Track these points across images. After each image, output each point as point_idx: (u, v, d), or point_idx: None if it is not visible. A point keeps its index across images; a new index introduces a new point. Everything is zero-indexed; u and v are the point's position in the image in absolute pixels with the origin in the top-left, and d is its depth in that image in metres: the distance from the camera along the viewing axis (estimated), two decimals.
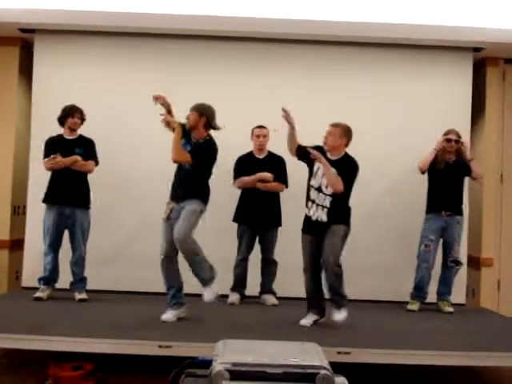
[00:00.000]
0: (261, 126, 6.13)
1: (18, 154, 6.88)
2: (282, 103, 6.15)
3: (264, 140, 6.14)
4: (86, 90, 6.53)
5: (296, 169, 6.11)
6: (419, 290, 6.01)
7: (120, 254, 6.50)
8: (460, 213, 6.04)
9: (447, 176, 6.00)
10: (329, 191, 5.03)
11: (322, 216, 5.06)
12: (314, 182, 5.14)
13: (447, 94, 6.75)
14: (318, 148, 5.16)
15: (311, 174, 5.17)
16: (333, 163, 5.06)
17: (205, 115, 5.17)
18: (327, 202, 5.05)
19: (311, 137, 6.41)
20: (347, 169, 5.08)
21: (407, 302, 6.14)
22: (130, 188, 6.51)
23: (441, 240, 6.05)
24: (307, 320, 5.14)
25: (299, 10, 6.24)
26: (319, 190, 5.09)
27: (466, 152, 6.08)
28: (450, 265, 5.93)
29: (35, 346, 4.43)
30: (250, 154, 6.23)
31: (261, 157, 6.20)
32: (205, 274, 5.10)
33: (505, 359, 4.52)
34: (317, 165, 5.10)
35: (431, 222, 5.96)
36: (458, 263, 5.94)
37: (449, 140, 6.01)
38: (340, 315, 5.08)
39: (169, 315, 5.08)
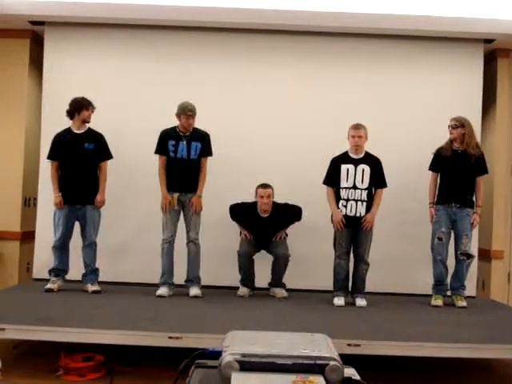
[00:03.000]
0: (265, 186, 6.02)
1: (28, 146, 6.91)
2: (289, 95, 6.23)
3: (268, 201, 6.00)
4: (95, 82, 6.56)
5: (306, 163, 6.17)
6: (440, 284, 5.94)
7: (131, 246, 6.54)
8: (470, 205, 5.94)
9: (455, 165, 5.88)
10: (363, 186, 5.73)
11: (361, 210, 5.73)
12: (346, 184, 5.75)
13: (458, 85, 6.73)
14: (345, 154, 5.86)
15: (338, 178, 5.77)
16: (359, 161, 5.78)
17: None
18: (364, 195, 5.73)
19: (321, 129, 6.48)
20: (379, 164, 5.84)
21: (418, 295, 6.15)
22: (137, 180, 6.52)
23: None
24: (340, 301, 5.75)
25: (309, 1, 6.22)
26: (354, 187, 5.73)
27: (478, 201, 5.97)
28: (460, 258, 5.88)
29: (46, 337, 4.46)
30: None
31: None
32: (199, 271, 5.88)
33: None
34: (343, 167, 5.76)
35: (441, 214, 5.91)
36: (469, 256, 5.88)
37: (448, 126, 5.92)
38: (364, 301, 5.74)
39: (162, 291, 5.80)
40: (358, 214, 5.74)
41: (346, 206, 5.75)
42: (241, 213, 6.14)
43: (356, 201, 5.74)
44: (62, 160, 5.91)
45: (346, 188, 5.76)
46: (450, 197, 5.89)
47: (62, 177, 5.91)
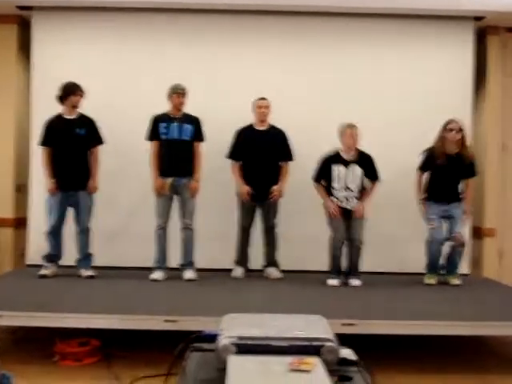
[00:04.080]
0: (262, 98, 6.09)
1: (18, 133, 6.87)
2: (292, 77, 6.21)
3: (266, 111, 6.10)
4: (84, 67, 6.52)
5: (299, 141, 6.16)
6: (432, 265, 5.98)
7: (125, 231, 6.54)
8: (460, 199, 5.94)
9: (448, 170, 5.84)
10: (355, 186, 5.79)
11: (353, 204, 5.78)
12: (337, 185, 5.79)
13: (449, 63, 6.72)
14: (337, 153, 5.83)
15: (330, 178, 5.80)
16: (351, 161, 5.80)
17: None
18: (356, 193, 5.79)
19: (319, 112, 6.47)
20: (372, 162, 5.86)
21: (410, 274, 6.18)
22: (131, 165, 6.50)
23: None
24: (335, 281, 5.79)
25: None
26: (346, 188, 5.78)
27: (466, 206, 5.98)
28: (454, 245, 5.88)
29: (41, 323, 4.45)
30: (250, 126, 6.20)
31: (262, 129, 6.17)
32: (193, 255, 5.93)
33: (508, 328, 4.54)
34: (335, 168, 5.77)
35: (433, 209, 5.90)
36: (462, 244, 5.89)
37: (450, 129, 5.82)
38: (358, 281, 5.79)
39: (156, 275, 5.85)
40: (349, 207, 5.80)
41: (338, 199, 5.80)
42: (240, 131, 6.14)
43: (347, 198, 5.80)
44: (53, 146, 5.88)
45: (337, 189, 5.81)
46: (442, 196, 5.89)
47: (55, 163, 5.88)
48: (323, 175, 5.86)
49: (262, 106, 6.06)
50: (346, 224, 5.84)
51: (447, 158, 5.84)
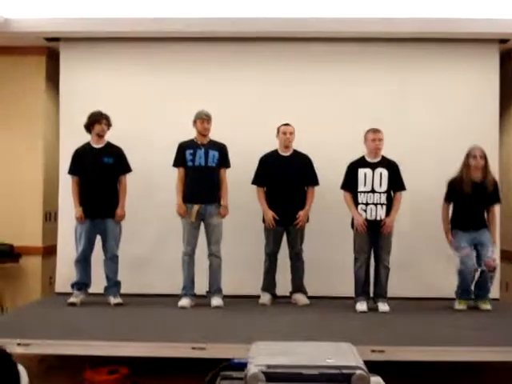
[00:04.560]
0: (287, 124, 6.11)
1: (47, 162, 6.98)
2: (302, 102, 6.24)
3: (290, 137, 6.11)
4: (112, 96, 6.60)
5: (323, 168, 6.16)
6: (465, 291, 5.88)
7: (152, 258, 6.54)
8: (487, 226, 5.89)
9: (473, 197, 5.80)
10: (382, 190, 5.72)
11: (381, 213, 5.70)
12: (364, 188, 5.73)
13: (474, 86, 6.68)
14: (361, 158, 5.87)
15: (356, 182, 5.76)
16: (377, 165, 5.79)
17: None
18: (383, 199, 5.70)
19: (335, 132, 6.47)
20: (397, 168, 5.85)
21: (440, 299, 6.11)
22: (157, 192, 6.53)
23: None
24: (363, 306, 5.72)
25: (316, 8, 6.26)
26: (373, 191, 5.71)
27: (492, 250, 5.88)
28: (483, 269, 5.79)
29: (71, 351, 4.48)
30: (275, 152, 6.22)
31: (286, 154, 6.18)
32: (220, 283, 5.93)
33: None
34: (361, 171, 5.76)
35: (460, 236, 5.84)
36: (493, 268, 5.80)
37: (474, 156, 5.79)
38: (386, 307, 5.71)
39: (184, 302, 5.83)
40: (377, 218, 5.72)
41: (365, 211, 5.74)
42: (265, 157, 6.17)
43: (375, 204, 5.73)
44: (82, 174, 5.97)
45: (364, 192, 5.75)
46: (468, 224, 5.85)
47: (83, 191, 5.96)
48: (351, 181, 5.82)
49: (286, 132, 6.08)
50: (373, 240, 5.79)
51: (472, 187, 5.79)
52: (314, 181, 6.11)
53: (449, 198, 5.95)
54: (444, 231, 5.95)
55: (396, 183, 5.84)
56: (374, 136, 5.80)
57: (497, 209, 5.99)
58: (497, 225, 6.01)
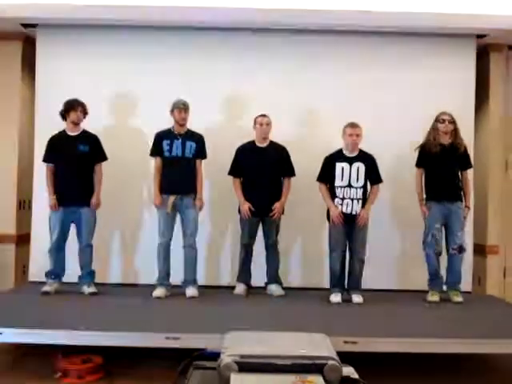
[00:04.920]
0: (263, 115, 6.10)
1: (22, 149, 6.90)
2: (284, 95, 6.24)
3: (267, 128, 6.11)
4: (88, 84, 6.52)
5: (299, 160, 6.17)
6: (435, 278, 5.94)
7: (127, 247, 6.54)
8: (461, 199, 5.94)
9: (444, 160, 5.86)
10: (359, 184, 5.76)
11: (357, 208, 5.75)
12: (341, 183, 5.77)
13: (451, 81, 6.69)
14: (339, 151, 5.90)
15: (333, 176, 5.78)
16: (354, 159, 5.82)
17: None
18: (360, 194, 5.75)
19: (316, 128, 6.49)
20: (374, 161, 5.89)
21: (413, 291, 6.17)
22: (133, 181, 6.52)
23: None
24: (337, 297, 5.76)
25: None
26: (349, 186, 5.74)
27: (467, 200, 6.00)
28: (452, 252, 5.87)
29: (43, 340, 4.45)
30: (251, 143, 6.22)
31: (263, 145, 6.19)
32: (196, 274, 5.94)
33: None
34: (338, 165, 5.78)
35: (434, 211, 5.90)
36: (461, 250, 5.88)
37: (442, 121, 5.87)
38: (360, 298, 5.76)
39: (159, 292, 5.80)
40: (353, 212, 5.75)
41: (341, 204, 5.77)
42: (241, 148, 6.14)
43: (352, 199, 5.75)
44: (56, 162, 5.92)
45: (341, 187, 5.78)
46: (441, 192, 5.87)
47: (58, 179, 5.90)
48: (327, 174, 5.85)
49: (262, 123, 6.08)
50: (348, 233, 5.83)
51: (441, 149, 5.86)
52: (290, 172, 6.12)
53: (419, 162, 6.00)
54: (418, 199, 5.99)
55: (373, 176, 5.87)
56: (351, 131, 5.82)
57: (469, 176, 6.04)
58: (471, 191, 6.05)
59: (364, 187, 5.81)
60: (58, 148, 5.91)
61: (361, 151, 5.89)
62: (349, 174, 5.77)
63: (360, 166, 5.79)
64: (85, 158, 5.91)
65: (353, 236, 5.83)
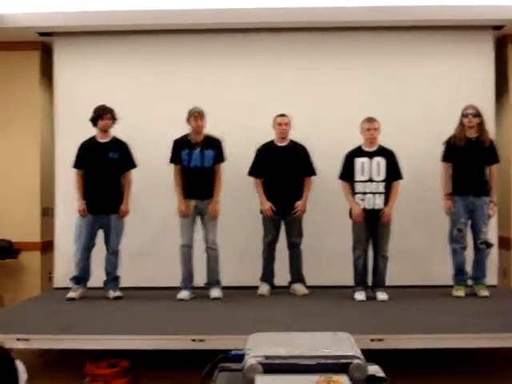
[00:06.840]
0: (282, 115, 6.10)
1: (44, 157, 6.96)
2: (298, 93, 6.21)
3: (286, 128, 6.10)
4: (107, 90, 6.56)
5: (319, 157, 6.16)
6: (461, 273, 5.89)
7: (150, 251, 6.54)
8: (486, 193, 5.88)
9: (469, 154, 5.82)
10: (380, 178, 5.73)
11: (379, 202, 5.72)
12: (361, 177, 5.75)
13: (470, 73, 6.67)
14: (358, 148, 5.87)
15: (353, 172, 5.77)
16: (374, 154, 5.80)
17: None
18: (381, 188, 5.72)
19: (333, 125, 6.46)
20: (394, 156, 5.84)
21: (437, 286, 6.13)
22: (154, 185, 6.52)
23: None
24: (361, 295, 5.76)
25: None
26: (370, 180, 5.72)
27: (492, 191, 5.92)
28: (480, 247, 5.84)
29: (71, 346, 4.50)
30: (271, 143, 6.21)
31: (283, 145, 6.18)
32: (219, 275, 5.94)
33: None
34: (358, 161, 5.77)
35: (459, 205, 5.87)
36: (488, 245, 5.84)
37: (466, 115, 5.83)
38: (385, 295, 5.73)
39: (183, 294, 5.86)
40: (375, 207, 5.74)
41: (363, 200, 5.75)
42: (261, 148, 6.16)
43: (373, 193, 5.74)
44: (86, 169, 5.94)
45: (362, 181, 5.76)
46: (467, 186, 5.84)
47: (87, 185, 5.94)
48: (348, 171, 5.83)
49: (281, 123, 6.07)
50: (371, 230, 5.81)
51: (467, 143, 5.82)
52: (310, 171, 6.11)
53: (446, 156, 5.96)
54: (443, 194, 5.93)
55: (393, 172, 5.84)
56: (369, 125, 5.80)
57: (495, 170, 5.97)
58: (495, 185, 5.96)
59: (385, 181, 5.78)
60: (89, 154, 5.94)
61: (380, 146, 5.86)
62: (369, 168, 5.76)
63: (381, 161, 5.77)
64: (114, 165, 5.93)
65: (376, 233, 5.82)
